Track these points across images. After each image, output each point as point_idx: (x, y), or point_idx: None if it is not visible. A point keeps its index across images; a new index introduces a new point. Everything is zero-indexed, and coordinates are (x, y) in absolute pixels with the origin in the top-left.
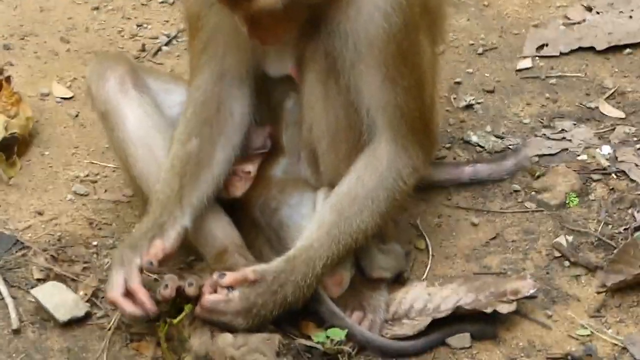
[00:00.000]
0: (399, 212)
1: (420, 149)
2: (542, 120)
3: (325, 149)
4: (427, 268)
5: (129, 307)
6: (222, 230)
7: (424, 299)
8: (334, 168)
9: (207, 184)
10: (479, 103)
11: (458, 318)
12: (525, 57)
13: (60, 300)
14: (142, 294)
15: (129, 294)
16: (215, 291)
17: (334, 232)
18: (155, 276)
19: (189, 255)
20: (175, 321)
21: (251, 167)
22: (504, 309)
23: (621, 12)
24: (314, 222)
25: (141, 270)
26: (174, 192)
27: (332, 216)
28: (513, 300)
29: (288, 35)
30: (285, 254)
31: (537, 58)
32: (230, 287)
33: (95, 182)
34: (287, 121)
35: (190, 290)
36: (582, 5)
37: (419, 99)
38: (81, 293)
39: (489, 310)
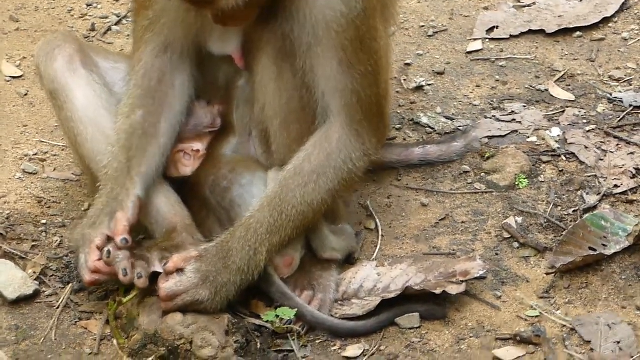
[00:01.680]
0: (348, 192)
1: (373, 134)
2: (492, 102)
3: (277, 128)
4: (377, 248)
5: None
6: (171, 209)
7: (373, 279)
8: (285, 148)
9: (155, 155)
10: (429, 85)
11: (407, 298)
12: (475, 40)
13: (8, 278)
14: (107, 270)
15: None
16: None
17: (275, 201)
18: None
19: (138, 233)
20: (124, 300)
21: (200, 146)
22: (453, 290)
23: None
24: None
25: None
26: (122, 165)
27: (275, 188)
28: (462, 282)
29: (249, 18)
30: None
31: (487, 40)
32: (179, 270)
33: (45, 160)
34: (238, 100)
35: (140, 282)
36: None
37: (374, 85)
38: (30, 271)
39: (438, 291)
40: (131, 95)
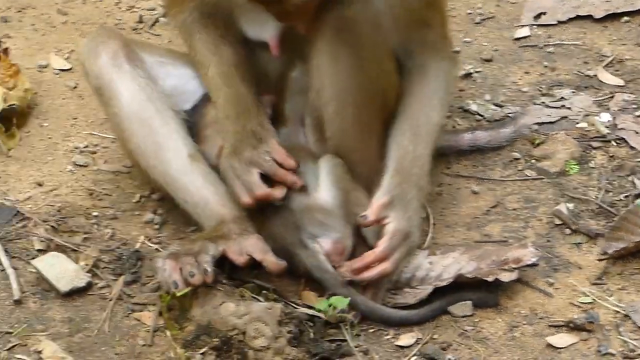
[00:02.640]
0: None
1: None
2: (540, 89)
3: (333, 113)
4: (429, 237)
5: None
6: (219, 200)
7: (425, 267)
8: (341, 132)
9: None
10: (477, 72)
11: (459, 286)
12: (523, 26)
13: (61, 270)
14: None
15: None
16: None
17: (419, 130)
18: None
19: (188, 225)
20: (178, 293)
21: None
22: (506, 277)
23: None
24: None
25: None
26: (239, 89)
27: (402, 122)
28: (515, 269)
29: (312, 12)
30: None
31: (534, 27)
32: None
33: (95, 152)
34: (291, 90)
35: (195, 280)
36: None
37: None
38: (82, 263)
39: (490, 278)
40: (205, 39)
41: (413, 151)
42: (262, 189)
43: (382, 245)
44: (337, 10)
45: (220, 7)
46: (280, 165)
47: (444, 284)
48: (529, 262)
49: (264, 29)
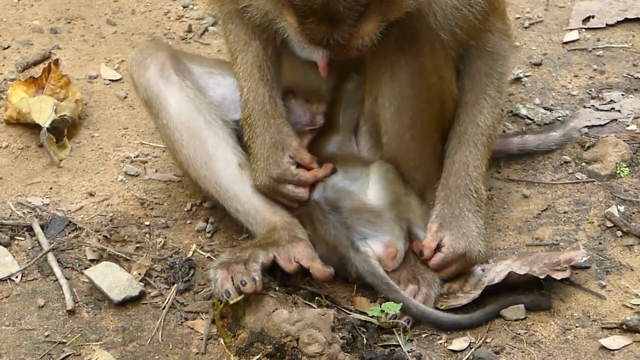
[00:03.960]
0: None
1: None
2: (590, 92)
3: (390, 119)
4: None
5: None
6: (269, 208)
7: (477, 274)
8: (398, 137)
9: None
10: (527, 76)
11: (511, 289)
12: (571, 30)
13: (114, 280)
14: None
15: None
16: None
17: (465, 137)
18: None
19: (239, 233)
20: (231, 301)
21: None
22: (558, 275)
23: None
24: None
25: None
26: (267, 97)
27: (460, 127)
28: (566, 268)
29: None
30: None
31: (583, 30)
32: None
33: (146, 162)
34: (346, 101)
35: (247, 288)
36: None
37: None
38: (134, 273)
39: (542, 275)
40: (237, 32)
41: (459, 160)
42: (301, 195)
43: (434, 261)
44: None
45: (265, 25)
46: (307, 167)
47: (496, 281)
48: (581, 261)
49: (313, 51)
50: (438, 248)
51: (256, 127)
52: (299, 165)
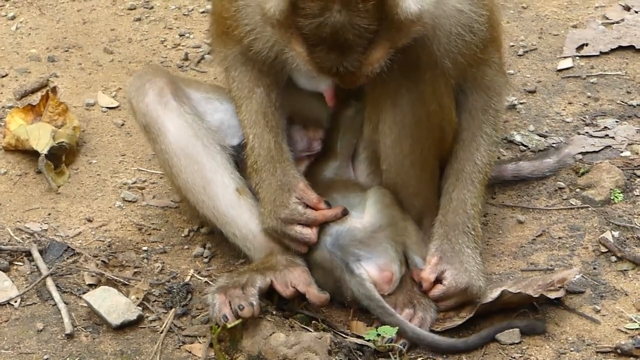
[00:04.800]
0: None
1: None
2: (584, 119)
3: (390, 145)
4: None
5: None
6: None
7: (475, 301)
8: (397, 164)
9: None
10: (521, 103)
11: (507, 312)
12: (565, 58)
13: (112, 304)
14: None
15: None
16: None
17: (463, 175)
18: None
19: (236, 258)
20: (229, 325)
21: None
22: (552, 295)
23: None
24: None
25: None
26: (272, 143)
27: (457, 163)
28: (560, 287)
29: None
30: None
31: (577, 58)
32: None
33: (143, 188)
34: (345, 127)
35: (245, 312)
36: (621, 5)
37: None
38: (133, 297)
39: (536, 294)
40: (240, 79)
41: (457, 198)
42: (309, 237)
43: (435, 292)
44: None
45: (272, 60)
46: (314, 207)
47: (489, 300)
48: (574, 279)
49: (319, 82)
50: (438, 281)
51: (262, 172)
52: (307, 206)
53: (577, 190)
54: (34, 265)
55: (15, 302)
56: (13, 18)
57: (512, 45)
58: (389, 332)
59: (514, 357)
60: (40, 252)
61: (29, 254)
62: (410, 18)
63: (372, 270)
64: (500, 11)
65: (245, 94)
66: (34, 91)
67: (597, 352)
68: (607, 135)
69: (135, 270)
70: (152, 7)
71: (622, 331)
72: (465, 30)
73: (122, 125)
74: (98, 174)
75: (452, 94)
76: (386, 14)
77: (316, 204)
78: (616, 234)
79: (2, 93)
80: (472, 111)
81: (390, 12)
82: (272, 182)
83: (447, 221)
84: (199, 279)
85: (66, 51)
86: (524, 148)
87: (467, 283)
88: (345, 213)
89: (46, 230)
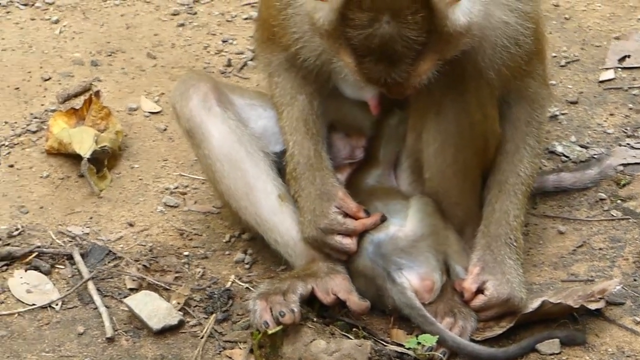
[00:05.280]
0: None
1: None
2: (625, 130)
3: (433, 155)
4: None
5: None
6: None
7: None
8: (440, 173)
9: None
10: (563, 114)
11: (547, 322)
12: (607, 69)
13: (153, 308)
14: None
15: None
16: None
17: (506, 187)
18: None
19: (278, 264)
20: (270, 331)
21: (339, 176)
22: (592, 305)
23: None
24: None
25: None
26: (312, 151)
27: (500, 174)
28: (600, 298)
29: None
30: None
31: (619, 69)
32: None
33: (185, 193)
34: (388, 136)
35: (286, 319)
36: None
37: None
38: (174, 302)
39: (576, 305)
40: (283, 85)
41: (500, 209)
42: (349, 246)
43: (476, 302)
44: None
45: (318, 69)
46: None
47: (529, 311)
48: (614, 290)
49: (363, 91)
50: (480, 291)
51: (301, 181)
52: (346, 215)
53: (618, 201)
54: (75, 269)
55: (57, 305)
56: (57, 22)
57: (555, 56)
58: (429, 340)
59: None
60: (82, 255)
61: (70, 257)
62: (459, 30)
63: (413, 279)
64: (545, 23)
65: (287, 100)
66: (77, 95)
67: None
68: None
69: (177, 275)
70: (195, 13)
71: None
72: (510, 42)
73: (165, 130)
74: (140, 179)
75: (496, 104)
76: (435, 26)
77: (355, 213)
78: None
79: (45, 97)
80: (515, 123)
81: (439, 24)
82: (311, 191)
83: (489, 232)
84: (240, 284)
85: (109, 55)
86: (566, 159)
87: (509, 294)
88: (384, 219)
89: (88, 233)
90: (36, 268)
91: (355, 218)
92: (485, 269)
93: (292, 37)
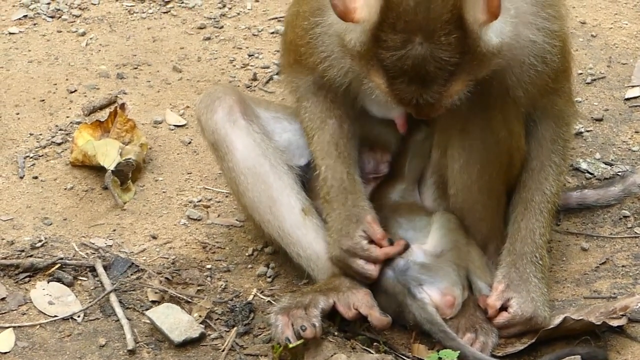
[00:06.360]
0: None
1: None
2: None
3: (458, 171)
4: None
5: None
6: None
7: None
8: (465, 189)
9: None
10: (588, 131)
11: (568, 339)
12: (633, 87)
13: (174, 321)
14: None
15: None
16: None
17: (532, 205)
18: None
19: (300, 278)
20: (291, 345)
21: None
22: (614, 322)
23: None
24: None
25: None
26: (345, 174)
27: (526, 193)
28: (623, 315)
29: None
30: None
31: None
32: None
33: (209, 207)
34: (413, 152)
35: (308, 333)
36: None
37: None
38: (195, 315)
39: (598, 322)
40: (312, 110)
41: (525, 227)
42: (370, 273)
43: (499, 320)
44: None
45: (346, 88)
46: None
47: (551, 327)
48: (637, 307)
49: (390, 109)
50: (504, 308)
51: (334, 203)
52: (371, 242)
53: None
54: (97, 281)
55: (79, 316)
56: (83, 34)
57: (581, 73)
58: (450, 356)
59: None
60: (105, 267)
61: (93, 269)
62: (491, 51)
63: (434, 295)
64: (571, 41)
65: (317, 124)
66: (102, 107)
67: None
68: None
69: (199, 288)
70: (222, 27)
71: None
72: (537, 60)
73: (189, 143)
74: (164, 192)
75: (522, 121)
76: (468, 47)
77: (379, 240)
78: None
79: (70, 109)
80: (541, 140)
81: (472, 45)
82: (341, 212)
83: (515, 250)
84: (262, 298)
85: (135, 68)
86: (590, 176)
87: (533, 312)
88: (406, 247)
89: (111, 246)
90: (59, 280)
91: (379, 245)
92: (510, 287)
93: (320, 56)
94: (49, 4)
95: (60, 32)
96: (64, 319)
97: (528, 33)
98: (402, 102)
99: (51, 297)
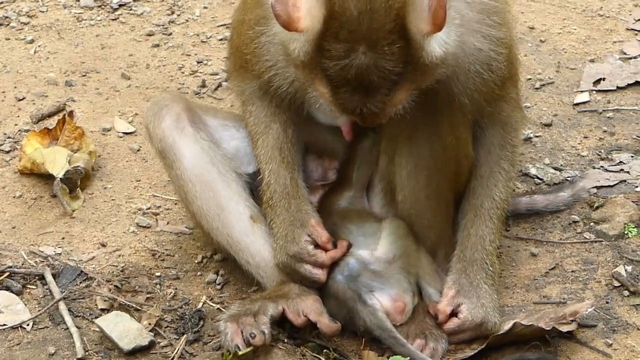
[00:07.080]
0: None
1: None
2: (599, 153)
3: (406, 178)
4: None
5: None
6: None
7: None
8: (413, 196)
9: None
10: (537, 136)
11: (518, 345)
12: (582, 92)
13: (124, 329)
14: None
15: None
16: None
17: (481, 211)
18: None
19: (249, 285)
20: (240, 352)
21: (311, 197)
22: (564, 328)
23: None
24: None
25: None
26: (288, 179)
27: (476, 200)
28: (572, 321)
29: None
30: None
31: (594, 92)
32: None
33: (158, 214)
34: (361, 158)
35: (257, 341)
36: (638, 40)
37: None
38: (145, 322)
39: (547, 327)
40: (257, 114)
41: (475, 234)
42: (318, 277)
43: (449, 325)
44: None
45: (292, 96)
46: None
47: (501, 332)
48: (586, 313)
49: (336, 117)
50: (454, 314)
51: (277, 208)
52: (317, 246)
53: (591, 224)
54: (46, 289)
55: (28, 325)
56: (32, 42)
57: (529, 79)
58: None
59: None
60: (54, 275)
61: (42, 277)
62: (435, 61)
63: (384, 301)
64: (518, 47)
65: (261, 129)
66: (50, 115)
67: None
68: (622, 169)
69: (148, 295)
70: (170, 34)
71: None
72: (483, 68)
73: (138, 150)
74: (113, 199)
75: (469, 127)
76: (411, 57)
77: (324, 243)
78: (629, 268)
79: (19, 116)
80: (489, 146)
81: (415, 55)
82: (285, 217)
83: (465, 257)
84: (211, 305)
85: (84, 76)
86: (539, 181)
87: (483, 318)
88: (349, 247)
89: (60, 254)
90: (7, 288)
91: (324, 249)
92: (461, 292)
93: (265, 65)
94: None
95: (9, 39)
96: (13, 328)
97: (473, 41)
98: (346, 111)
99: (0, 306)
